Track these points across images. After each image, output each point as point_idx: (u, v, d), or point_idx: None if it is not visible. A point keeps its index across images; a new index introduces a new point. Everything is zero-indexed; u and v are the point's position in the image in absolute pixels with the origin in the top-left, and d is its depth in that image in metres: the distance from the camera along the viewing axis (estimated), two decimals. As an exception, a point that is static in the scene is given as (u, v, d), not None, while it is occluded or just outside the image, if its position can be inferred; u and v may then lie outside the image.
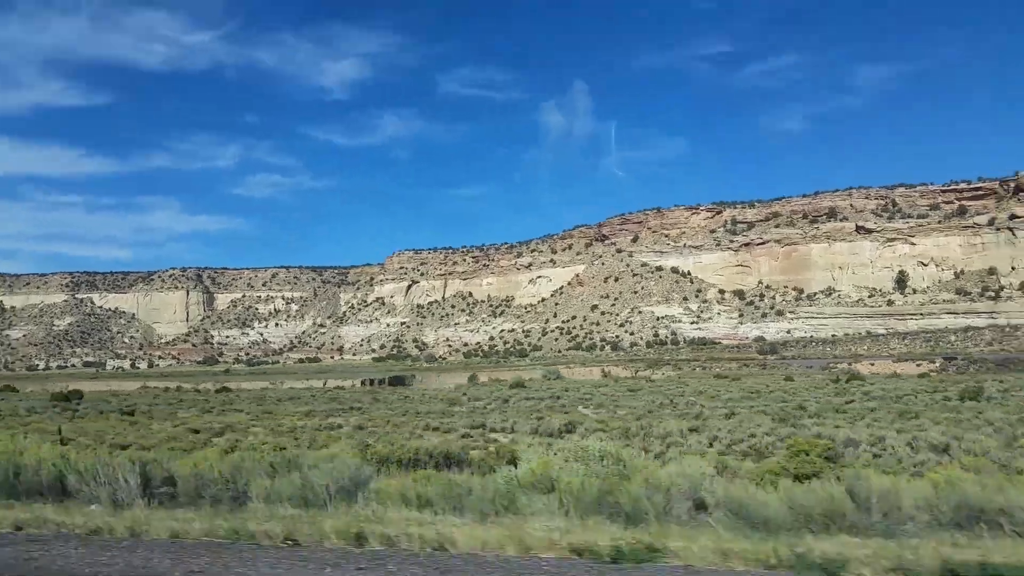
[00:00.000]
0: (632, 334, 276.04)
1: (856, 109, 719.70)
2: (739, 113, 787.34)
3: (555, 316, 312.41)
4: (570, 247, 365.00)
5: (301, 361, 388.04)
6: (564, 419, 39.61)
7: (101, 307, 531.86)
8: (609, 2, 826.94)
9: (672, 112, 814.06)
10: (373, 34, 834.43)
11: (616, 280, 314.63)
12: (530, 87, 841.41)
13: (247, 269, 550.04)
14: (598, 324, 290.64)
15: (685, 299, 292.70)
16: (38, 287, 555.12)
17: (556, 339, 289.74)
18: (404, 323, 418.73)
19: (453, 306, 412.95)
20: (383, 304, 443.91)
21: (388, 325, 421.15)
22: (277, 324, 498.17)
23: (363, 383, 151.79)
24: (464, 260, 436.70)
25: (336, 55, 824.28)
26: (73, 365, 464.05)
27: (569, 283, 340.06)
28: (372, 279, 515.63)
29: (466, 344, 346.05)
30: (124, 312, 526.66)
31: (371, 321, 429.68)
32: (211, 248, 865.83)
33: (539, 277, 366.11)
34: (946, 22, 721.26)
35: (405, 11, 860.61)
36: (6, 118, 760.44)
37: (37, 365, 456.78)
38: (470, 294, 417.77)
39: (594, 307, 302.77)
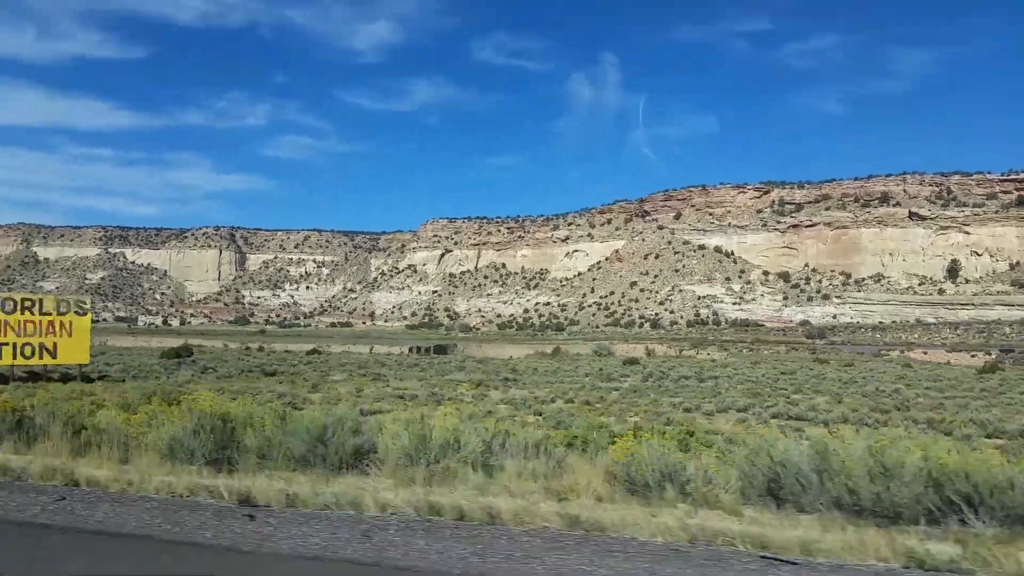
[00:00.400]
0: (672, 312, 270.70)
1: (896, 94, 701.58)
2: (774, 92, 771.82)
3: (592, 291, 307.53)
4: (609, 222, 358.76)
5: (333, 325, 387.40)
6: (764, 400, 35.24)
7: (133, 262, 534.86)
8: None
9: (706, 89, 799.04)
10: None
11: (656, 257, 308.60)
12: (562, 57, 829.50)
13: (279, 231, 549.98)
14: (637, 301, 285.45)
15: (728, 279, 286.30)
16: (71, 240, 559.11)
17: (594, 314, 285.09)
18: (436, 291, 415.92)
19: (486, 276, 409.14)
20: (415, 272, 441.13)
21: (419, 293, 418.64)
22: (308, 287, 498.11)
23: (410, 350, 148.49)
24: (499, 231, 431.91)
25: (370, 16, 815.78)
26: (104, 320, 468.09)
27: (607, 258, 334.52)
28: (404, 246, 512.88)
29: (499, 315, 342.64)
30: (156, 268, 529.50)
31: (403, 288, 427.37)
32: (238, 208, 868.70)
33: (576, 251, 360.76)
34: (990, 4, 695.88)
35: None
36: (42, 67, 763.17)
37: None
38: (503, 265, 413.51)
39: (633, 283, 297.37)
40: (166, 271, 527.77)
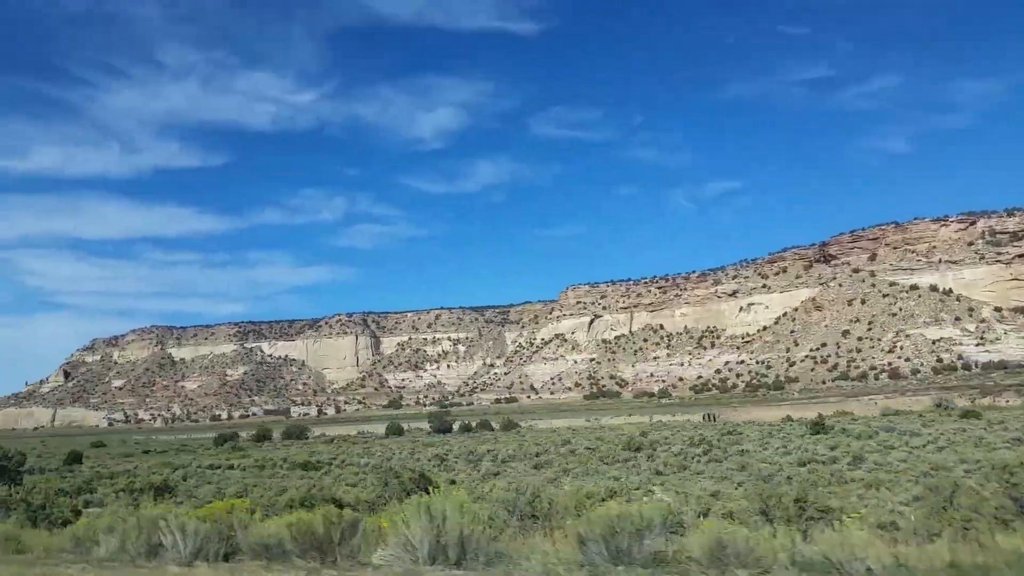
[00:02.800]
0: (908, 360, 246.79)
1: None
2: (837, 136, 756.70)
3: (796, 344, 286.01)
4: (784, 271, 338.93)
5: (497, 401, 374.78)
6: None
7: (271, 355, 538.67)
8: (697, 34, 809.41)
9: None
10: (465, 82, 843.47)
11: (863, 302, 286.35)
12: (620, 124, 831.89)
13: (410, 312, 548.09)
14: (859, 351, 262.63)
15: (958, 319, 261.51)
16: (206, 338, 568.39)
17: (812, 369, 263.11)
18: (592, 359, 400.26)
19: (645, 340, 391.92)
20: (565, 341, 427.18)
21: (576, 362, 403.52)
22: (448, 366, 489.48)
23: (705, 417, 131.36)
24: (649, 291, 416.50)
25: (430, 104, 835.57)
26: (254, 414, 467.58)
27: (796, 308, 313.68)
28: (536, 317, 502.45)
29: (680, 379, 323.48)
30: (294, 359, 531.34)
31: (556, 359, 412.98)
32: (315, 298, 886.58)
33: (751, 304, 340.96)
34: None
35: (495, 58, 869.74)
36: (127, 181, 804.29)
37: (220, 415, 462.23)
38: (661, 326, 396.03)
39: (845, 332, 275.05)
40: (304, 361, 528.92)
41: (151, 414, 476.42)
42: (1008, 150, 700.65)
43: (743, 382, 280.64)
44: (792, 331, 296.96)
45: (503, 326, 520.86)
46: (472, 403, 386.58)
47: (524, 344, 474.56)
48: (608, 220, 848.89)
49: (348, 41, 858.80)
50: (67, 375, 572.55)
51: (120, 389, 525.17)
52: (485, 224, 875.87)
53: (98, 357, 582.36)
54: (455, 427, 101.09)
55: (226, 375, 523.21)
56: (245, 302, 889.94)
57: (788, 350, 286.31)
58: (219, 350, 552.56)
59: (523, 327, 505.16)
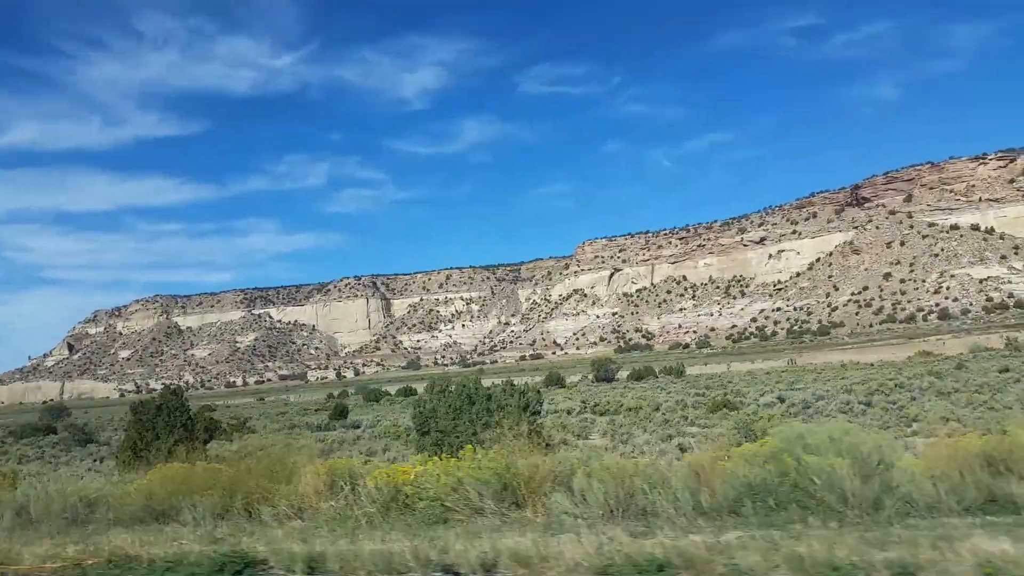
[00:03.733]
0: (956, 301, 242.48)
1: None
2: (827, 85, 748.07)
3: (836, 289, 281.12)
4: (814, 216, 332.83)
5: (523, 358, 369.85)
6: None
7: (280, 321, 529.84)
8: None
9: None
10: (447, 41, 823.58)
11: (902, 244, 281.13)
12: (608, 78, 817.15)
13: (419, 273, 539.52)
14: (903, 293, 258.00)
15: (1003, 257, 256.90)
16: (212, 306, 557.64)
17: (856, 313, 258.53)
18: (615, 313, 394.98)
19: (668, 291, 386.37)
20: (585, 296, 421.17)
21: (598, 316, 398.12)
22: (464, 325, 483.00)
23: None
24: (670, 243, 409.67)
25: (413, 65, 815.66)
26: (269, 380, 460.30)
27: (830, 253, 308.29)
28: (550, 273, 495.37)
29: (712, 329, 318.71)
30: (304, 324, 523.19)
31: (577, 314, 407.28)
32: (305, 265, 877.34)
33: (781, 251, 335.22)
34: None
35: (478, 15, 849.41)
36: (110, 153, 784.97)
37: (234, 382, 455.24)
38: (684, 277, 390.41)
39: (887, 275, 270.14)
40: (314, 325, 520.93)
41: (163, 383, 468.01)
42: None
43: (782, 329, 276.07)
44: (830, 276, 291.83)
45: (515, 283, 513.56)
46: (496, 361, 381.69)
47: (539, 301, 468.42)
48: (596, 176, 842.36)
49: (327, 2, 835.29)
50: (71, 348, 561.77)
51: (128, 360, 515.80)
52: (473, 185, 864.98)
53: (101, 329, 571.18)
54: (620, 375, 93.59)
55: (236, 342, 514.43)
56: (235, 270, 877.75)
57: (828, 295, 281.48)
58: (226, 317, 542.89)
59: (536, 284, 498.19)
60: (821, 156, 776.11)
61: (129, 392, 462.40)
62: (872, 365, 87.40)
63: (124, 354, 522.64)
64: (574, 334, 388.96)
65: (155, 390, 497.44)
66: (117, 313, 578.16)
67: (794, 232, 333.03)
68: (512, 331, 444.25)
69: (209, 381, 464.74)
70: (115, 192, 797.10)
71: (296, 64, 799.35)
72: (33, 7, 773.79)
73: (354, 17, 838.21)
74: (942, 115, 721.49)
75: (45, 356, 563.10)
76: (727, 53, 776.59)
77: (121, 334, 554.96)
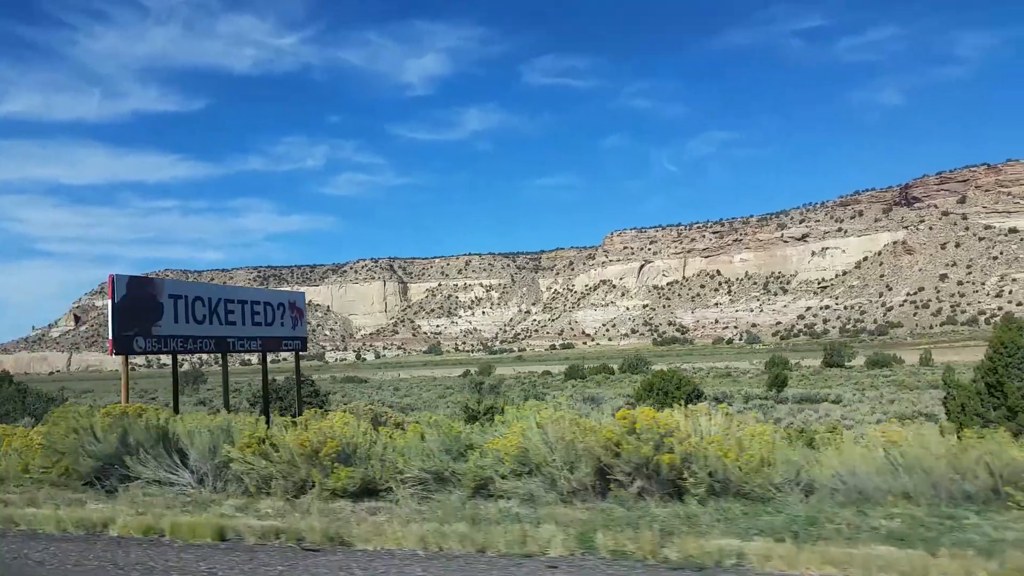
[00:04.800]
0: (1020, 304, 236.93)
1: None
2: (831, 89, 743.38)
3: (889, 289, 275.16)
4: (860, 214, 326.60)
5: (553, 348, 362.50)
6: None
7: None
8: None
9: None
10: (453, 28, 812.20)
11: (957, 246, 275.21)
12: (613, 72, 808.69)
13: (437, 258, 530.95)
14: (961, 295, 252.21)
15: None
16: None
17: (914, 314, 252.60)
18: (646, 305, 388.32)
19: (703, 286, 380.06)
20: (613, 287, 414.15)
21: (627, 308, 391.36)
22: (484, 312, 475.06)
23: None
24: (703, 236, 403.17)
25: (418, 51, 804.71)
26: (284, 359, 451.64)
27: (879, 252, 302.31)
28: (571, 263, 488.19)
29: (753, 325, 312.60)
30: (319, 304, 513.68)
31: (606, 305, 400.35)
32: (300, 247, 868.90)
33: (825, 248, 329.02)
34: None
35: (485, 3, 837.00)
36: (108, 126, 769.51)
37: (249, 360, 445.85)
38: (718, 272, 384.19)
39: (943, 277, 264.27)
40: (328, 307, 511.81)
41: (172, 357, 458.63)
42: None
43: (832, 328, 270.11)
44: (881, 275, 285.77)
45: (536, 272, 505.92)
46: (524, 349, 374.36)
47: (561, 290, 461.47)
48: (597, 170, 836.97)
49: None
50: (77, 319, 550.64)
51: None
52: (473, 173, 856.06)
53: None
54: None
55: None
56: (226, 249, 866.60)
57: (881, 295, 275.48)
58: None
59: (557, 273, 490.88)
60: (820, 158, 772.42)
61: (139, 366, 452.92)
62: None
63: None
64: (604, 325, 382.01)
65: (166, 365, 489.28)
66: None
67: (839, 230, 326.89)
68: (535, 320, 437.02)
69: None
70: (112, 166, 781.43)
71: (299, 44, 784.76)
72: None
73: (359, 0, 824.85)
74: (947, 121, 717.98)
75: (50, 326, 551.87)
76: (733, 51, 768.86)
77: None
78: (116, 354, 13.10)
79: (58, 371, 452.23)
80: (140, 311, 13.40)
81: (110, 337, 12.85)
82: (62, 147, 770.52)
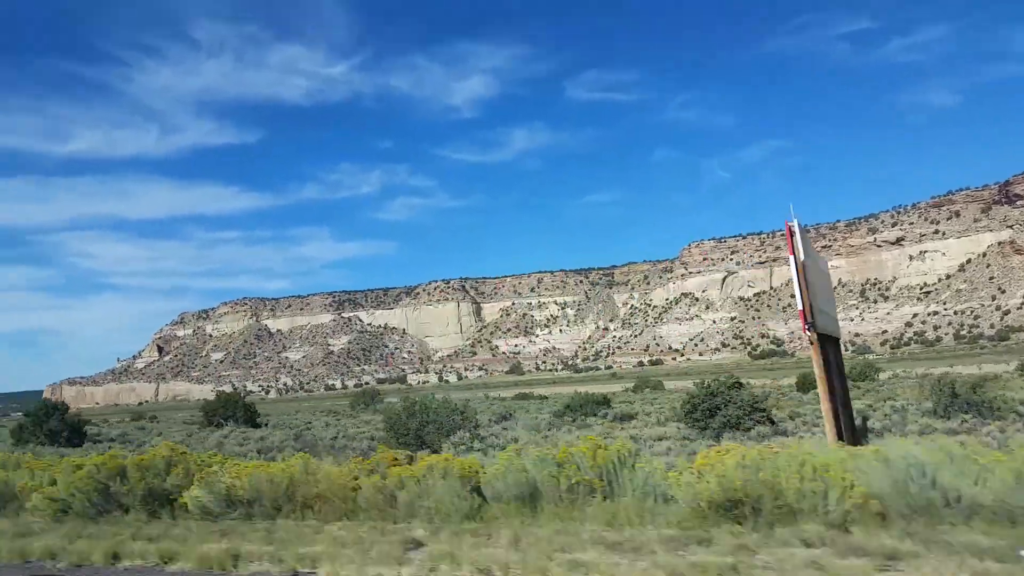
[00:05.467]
0: None
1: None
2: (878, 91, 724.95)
3: (1002, 292, 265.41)
4: (957, 214, 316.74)
5: (640, 364, 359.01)
6: None
7: (370, 324, 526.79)
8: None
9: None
10: (498, 48, 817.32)
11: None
12: (657, 85, 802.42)
13: (508, 276, 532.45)
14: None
15: None
16: (300, 309, 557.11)
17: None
18: (733, 317, 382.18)
19: (792, 295, 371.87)
20: (696, 300, 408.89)
21: (714, 322, 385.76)
22: (561, 330, 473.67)
23: None
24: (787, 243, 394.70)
25: (463, 73, 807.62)
26: (367, 383, 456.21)
27: (983, 254, 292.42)
28: (646, 277, 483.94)
29: (857, 334, 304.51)
30: (394, 328, 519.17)
31: (691, 319, 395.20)
32: (360, 272, 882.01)
33: (924, 252, 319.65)
34: None
35: (528, 21, 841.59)
36: (166, 160, 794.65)
37: (333, 385, 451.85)
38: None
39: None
40: (404, 329, 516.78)
41: (259, 385, 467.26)
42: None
43: (945, 335, 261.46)
44: (991, 278, 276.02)
45: (610, 287, 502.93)
46: (611, 366, 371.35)
47: (639, 305, 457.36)
48: (646, 185, 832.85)
49: (379, 10, 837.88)
50: (160, 350, 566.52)
51: (221, 362, 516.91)
52: (521, 192, 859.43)
53: (190, 331, 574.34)
54: None
55: (328, 345, 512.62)
56: (292, 278, 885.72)
57: (994, 298, 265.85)
58: (316, 320, 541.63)
59: (632, 288, 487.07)
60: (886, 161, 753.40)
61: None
62: None
63: (216, 356, 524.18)
64: (691, 339, 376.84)
65: (252, 392, 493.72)
66: (205, 315, 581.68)
67: (936, 232, 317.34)
68: (615, 336, 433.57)
69: (308, 383, 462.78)
70: (173, 199, 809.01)
71: (349, 72, 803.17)
72: (91, 16, 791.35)
73: (406, 25, 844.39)
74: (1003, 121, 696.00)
75: (135, 358, 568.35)
76: (779, 58, 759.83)
77: (211, 336, 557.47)
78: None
79: (146, 401, 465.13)
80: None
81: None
82: (124, 182, 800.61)
